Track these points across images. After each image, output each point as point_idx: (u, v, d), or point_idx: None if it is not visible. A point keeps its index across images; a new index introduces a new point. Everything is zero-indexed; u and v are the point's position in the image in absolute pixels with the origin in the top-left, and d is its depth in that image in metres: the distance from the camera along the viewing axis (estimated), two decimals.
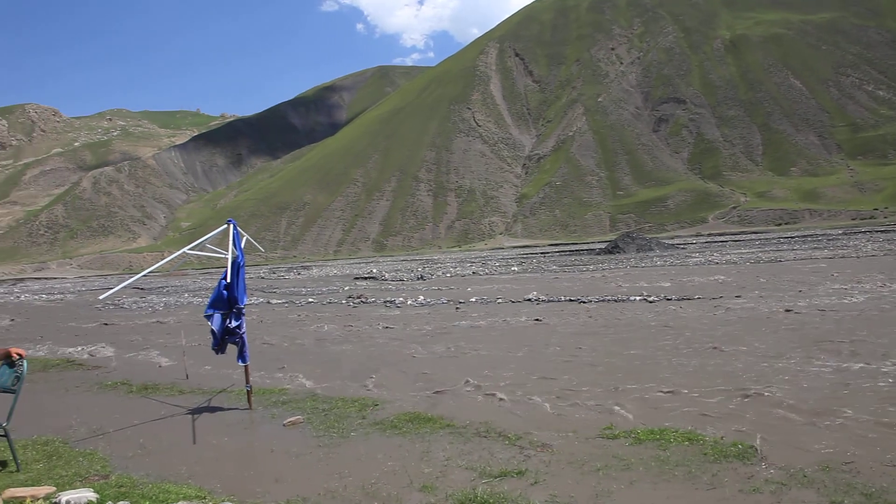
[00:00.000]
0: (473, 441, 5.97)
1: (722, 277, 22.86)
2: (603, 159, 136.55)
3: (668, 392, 7.46)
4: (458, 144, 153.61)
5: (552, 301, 18.46)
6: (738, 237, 71.52)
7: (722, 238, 72.25)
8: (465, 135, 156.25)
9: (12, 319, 24.69)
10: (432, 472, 5.19)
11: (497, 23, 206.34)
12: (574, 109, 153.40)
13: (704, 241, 69.15)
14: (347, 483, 5.05)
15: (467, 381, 8.59)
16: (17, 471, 5.66)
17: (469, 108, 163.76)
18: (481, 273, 36.13)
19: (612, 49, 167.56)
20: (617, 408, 6.92)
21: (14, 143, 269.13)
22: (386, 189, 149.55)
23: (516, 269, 38.24)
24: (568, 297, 18.88)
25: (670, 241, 61.51)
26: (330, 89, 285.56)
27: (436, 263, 56.27)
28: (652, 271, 28.87)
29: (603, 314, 14.87)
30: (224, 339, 7.85)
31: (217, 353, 8.05)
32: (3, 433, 5.74)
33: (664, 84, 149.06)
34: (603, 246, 58.65)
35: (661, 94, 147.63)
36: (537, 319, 14.62)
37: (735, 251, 41.65)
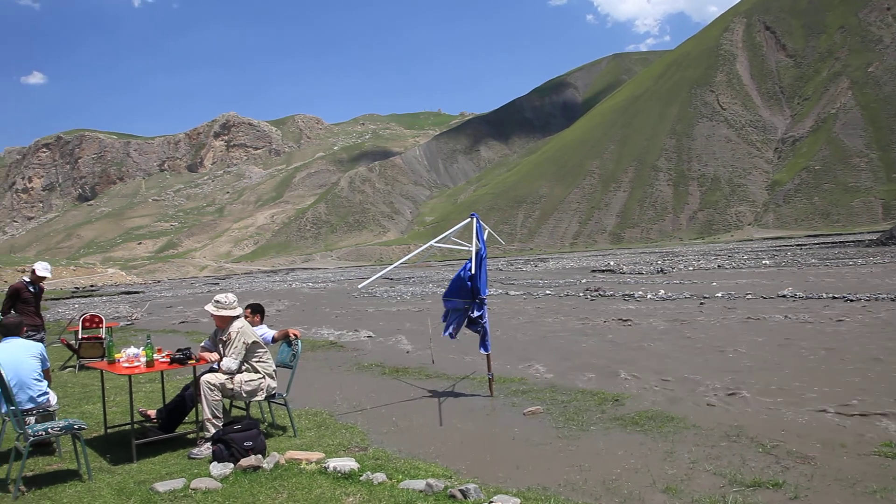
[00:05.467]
0: (722, 445, 5.59)
1: None
2: (874, 138, 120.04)
3: None
4: (700, 130, 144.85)
5: (811, 298, 16.69)
6: None
7: None
8: (709, 119, 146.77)
9: (287, 304, 28.12)
10: (676, 473, 4.96)
11: None
12: (837, 83, 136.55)
13: None
14: (587, 476, 5.01)
15: (714, 381, 8.07)
16: (294, 436, 6.45)
17: (712, 91, 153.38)
18: (727, 267, 33.74)
19: (888, 9, 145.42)
20: None
21: (286, 150, 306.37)
22: (623, 180, 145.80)
23: (768, 262, 35.13)
24: (830, 294, 16.94)
25: None
26: (564, 81, 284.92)
27: (677, 256, 53.65)
28: None
29: (875, 314, 13.11)
30: (462, 326, 8.21)
31: (452, 338, 8.44)
32: (283, 403, 6.59)
33: None
34: (874, 237, 51.64)
35: None
36: (792, 317, 13.30)
37: None
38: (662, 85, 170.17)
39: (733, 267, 33.30)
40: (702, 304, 17.20)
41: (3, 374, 5.14)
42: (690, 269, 33.93)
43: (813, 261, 33.62)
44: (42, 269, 8.97)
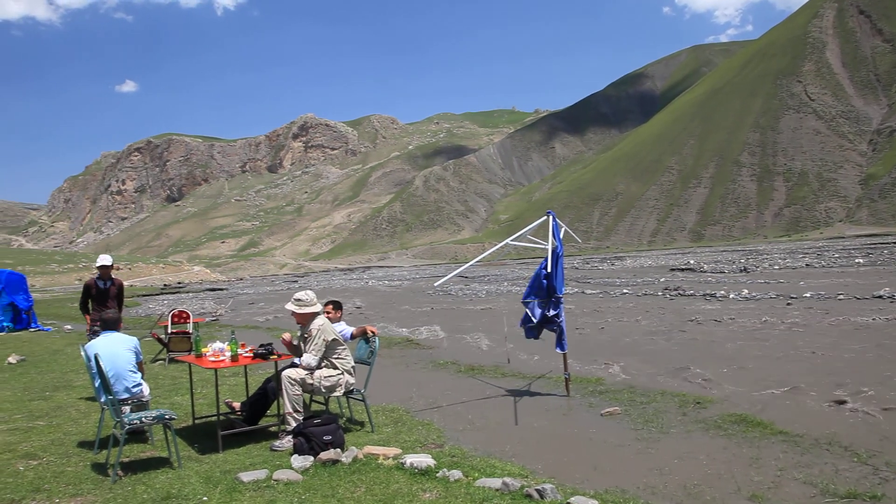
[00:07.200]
0: (812, 453, 5.34)
1: None
2: None
3: None
4: (786, 123, 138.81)
5: None
6: None
7: None
8: (795, 111, 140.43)
9: (363, 302, 28.62)
10: (763, 481, 4.77)
11: None
12: None
13: None
14: (667, 480, 4.89)
15: (803, 385, 7.72)
16: (372, 431, 6.55)
17: (800, 81, 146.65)
18: (816, 265, 32.25)
19: None
20: None
21: (362, 150, 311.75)
22: (703, 176, 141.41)
23: (861, 261, 33.37)
24: None
25: None
26: (641, 76, 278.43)
27: (761, 254, 51.64)
28: None
29: None
30: (541, 325, 8.14)
31: (533, 339, 8.38)
32: (361, 398, 6.70)
33: None
34: None
35: None
36: (889, 319, 12.58)
37: None
38: (745, 76, 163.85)
39: (823, 266, 31.81)
40: (789, 304, 16.50)
41: (102, 366, 5.44)
42: (776, 268, 32.61)
43: None
44: (101, 259, 9.46)
